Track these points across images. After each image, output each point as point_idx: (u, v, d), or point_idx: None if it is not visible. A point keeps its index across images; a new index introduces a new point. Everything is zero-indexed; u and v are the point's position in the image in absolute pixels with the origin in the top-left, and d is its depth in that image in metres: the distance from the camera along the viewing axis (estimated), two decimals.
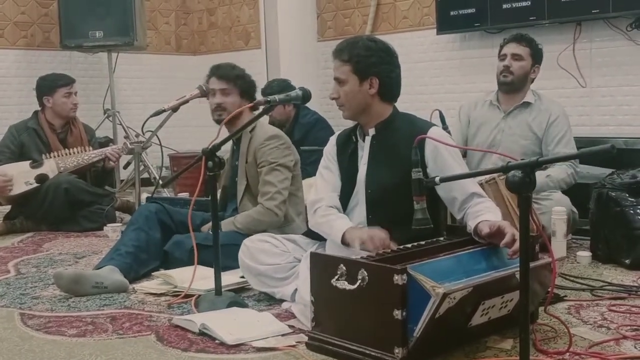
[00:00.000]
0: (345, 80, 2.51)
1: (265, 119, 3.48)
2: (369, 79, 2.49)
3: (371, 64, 2.48)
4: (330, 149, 2.69)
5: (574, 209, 3.45)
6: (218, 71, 3.41)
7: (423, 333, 1.89)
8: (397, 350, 1.91)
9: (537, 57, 3.62)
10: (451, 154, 2.46)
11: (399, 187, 2.35)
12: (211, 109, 3.41)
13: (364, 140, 2.58)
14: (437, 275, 1.94)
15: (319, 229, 2.58)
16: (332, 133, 2.87)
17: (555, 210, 3.22)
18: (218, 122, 3.31)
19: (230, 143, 3.46)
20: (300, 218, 3.33)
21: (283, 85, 4.81)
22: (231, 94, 3.36)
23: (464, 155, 3.63)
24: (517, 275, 2.02)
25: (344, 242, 2.41)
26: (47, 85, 4.67)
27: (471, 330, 2.07)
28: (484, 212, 2.33)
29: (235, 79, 3.37)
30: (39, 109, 4.74)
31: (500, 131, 3.62)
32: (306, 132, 4.81)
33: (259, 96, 3.62)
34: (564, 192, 3.57)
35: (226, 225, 3.20)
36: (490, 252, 2.21)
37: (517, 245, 2.07)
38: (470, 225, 2.35)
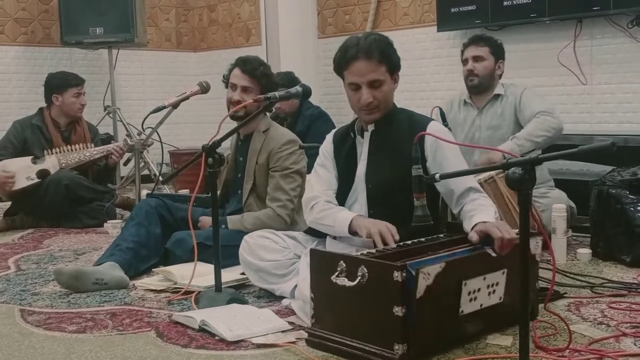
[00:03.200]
0: (383, 81, 2.43)
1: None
2: (396, 75, 2.48)
3: (398, 60, 2.47)
4: (327, 147, 2.67)
5: (572, 204, 3.45)
6: (244, 65, 3.25)
7: (414, 319, 1.90)
8: (396, 347, 1.91)
9: (498, 53, 3.64)
10: (450, 149, 2.47)
11: (400, 182, 2.35)
12: (228, 102, 3.26)
13: (362, 137, 2.57)
14: None
15: (319, 223, 2.56)
16: (334, 127, 2.86)
17: (555, 208, 3.22)
18: (233, 118, 3.15)
19: (234, 136, 3.44)
20: (303, 219, 3.30)
21: (288, 79, 4.83)
22: (252, 93, 3.20)
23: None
24: (488, 251, 2.10)
25: (351, 231, 2.39)
26: (58, 84, 4.66)
27: (467, 322, 2.08)
28: (477, 212, 2.32)
29: (260, 78, 3.24)
30: (44, 105, 4.74)
31: (477, 128, 3.65)
32: (309, 124, 4.83)
33: None
34: (562, 187, 3.57)
35: (233, 223, 3.19)
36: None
37: (504, 239, 2.10)
38: (464, 226, 2.36)
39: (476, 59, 3.61)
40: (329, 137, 2.70)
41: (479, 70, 3.60)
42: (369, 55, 2.40)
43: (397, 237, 2.28)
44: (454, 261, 2.02)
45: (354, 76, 2.43)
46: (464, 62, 3.67)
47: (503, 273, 2.13)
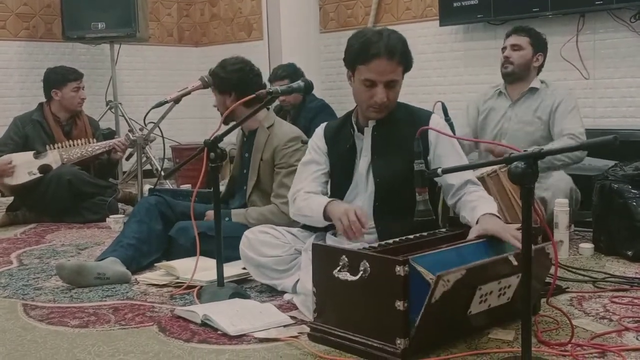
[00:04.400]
0: (398, 82, 2.42)
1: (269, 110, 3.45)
2: (404, 74, 2.47)
3: (412, 61, 2.45)
4: (319, 143, 2.62)
5: (576, 188, 3.43)
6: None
7: (422, 320, 1.89)
8: (398, 341, 1.91)
9: (538, 45, 3.62)
10: (451, 142, 2.49)
11: (408, 176, 2.33)
12: None
13: (362, 133, 2.55)
14: (438, 267, 1.94)
15: (300, 214, 2.54)
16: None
17: (557, 202, 3.21)
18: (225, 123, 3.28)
19: (239, 133, 3.45)
20: None
21: (289, 71, 4.84)
22: (214, 94, 3.36)
23: (475, 146, 3.64)
24: (511, 258, 2.04)
25: (326, 216, 2.37)
26: (57, 78, 4.67)
27: (472, 319, 2.07)
28: (479, 204, 2.33)
29: (213, 77, 3.35)
30: (44, 100, 4.74)
31: (507, 119, 3.62)
32: (314, 116, 4.84)
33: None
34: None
35: (237, 216, 3.19)
36: (491, 243, 2.21)
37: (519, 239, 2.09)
38: (464, 215, 2.36)
39: (514, 47, 3.59)
40: (320, 132, 2.65)
41: (515, 59, 3.58)
42: (392, 56, 2.35)
43: (367, 227, 2.26)
44: (475, 267, 1.98)
45: (373, 73, 2.38)
46: (503, 49, 3.65)
47: (517, 277, 2.08)
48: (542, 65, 3.66)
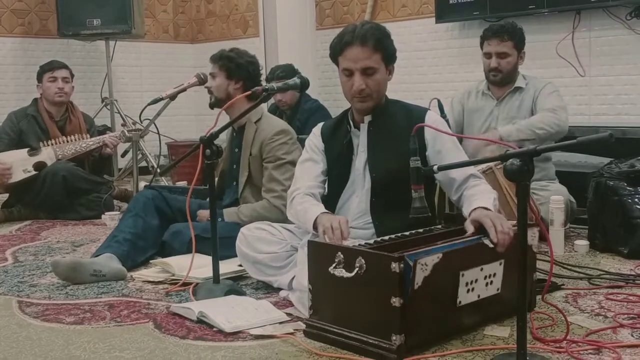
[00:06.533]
0: (377, 69, 2.43)
1: (263, 107, 3.45)
2: (391, 66, 2.48)
3: (394, 50, 2.47)
4: (316, 142, 2.64)
5: (572, 199, 3.46)
6: (213, 55, 3.38)
7: (409, 308, 1.90)
8: (394, 338, 1.91)
9: (520, 44, 3.57)
10: (450, 137, 2.49)
11: (404, 172, 2.34)
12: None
13: (358, 129, 2.56)
14: None
15: (295, 218, 2.54)
16: None
17: (553, 199, 3.22)
18: (209, 105, 3.35)
19: (228, 128, 3.45)
20: None
21: (289, 70, 4.85)
22: (217, 76, 3.32)
23: (460, 143, 3.63)
24: (486, 242, 2.10)
25: (315, 227, 2.37)
26: (38, 73, 4.72)
27: (464, 312, 2.08)
28: (476, 197, 2.33)
29: (219, 60, 3.30)
30: (38, 96, 4.75)
31: (494, 118, 3.62)
32: (308, 117, 4.84)
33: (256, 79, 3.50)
34: (562, 182, 3.57)
35: (229, 215, 3.18)
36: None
37: (501, 236, 2.10)
38: (465, 211, 2.36)
39: (501, 55, 3.51)
40: (317, 132, 2.67)
41: (504, 67, 3.52)
42: (364, 42, 2.40)
43: (347, 235, 2.23)
44: (452, 252, 2.03)
45: (348, 62, 2.43)
46: (486, 55, 3.56)
47: (500, 264, 2.13)
48: (523, 60, 3.62)
